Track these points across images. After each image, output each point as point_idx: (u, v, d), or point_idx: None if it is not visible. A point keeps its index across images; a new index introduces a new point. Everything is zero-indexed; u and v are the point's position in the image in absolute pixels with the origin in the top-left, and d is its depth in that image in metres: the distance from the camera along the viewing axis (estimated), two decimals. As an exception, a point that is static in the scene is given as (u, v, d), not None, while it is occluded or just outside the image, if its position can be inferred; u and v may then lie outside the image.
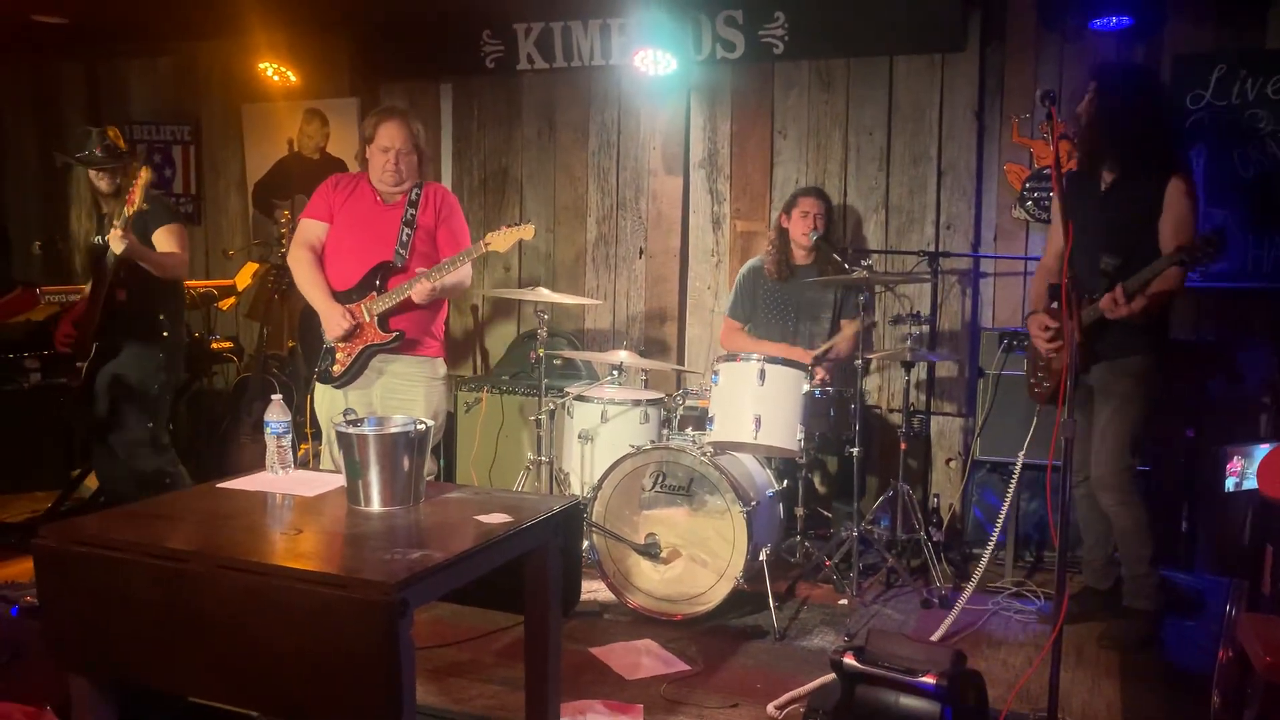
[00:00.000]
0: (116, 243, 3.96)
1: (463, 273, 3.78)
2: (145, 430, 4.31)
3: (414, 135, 3.78)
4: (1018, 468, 3.71)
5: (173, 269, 4.21)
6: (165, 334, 4.32)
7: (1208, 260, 3.29)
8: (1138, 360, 3.57)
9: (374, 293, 3.71)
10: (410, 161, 3.78)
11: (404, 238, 3.74)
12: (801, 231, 4.52)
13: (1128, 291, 3.38)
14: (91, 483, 4.97)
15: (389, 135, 3.73)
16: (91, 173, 4.20)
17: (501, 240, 3.69)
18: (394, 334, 3.71)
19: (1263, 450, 2.96)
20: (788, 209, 4.62)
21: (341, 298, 3.73)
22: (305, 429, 4.47)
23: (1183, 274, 3.42)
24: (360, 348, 3.73)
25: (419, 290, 3.63)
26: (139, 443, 4.30)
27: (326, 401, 3.84)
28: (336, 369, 3.75)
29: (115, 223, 3.97)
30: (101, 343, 4.24)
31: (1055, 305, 3.72)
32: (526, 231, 3.74)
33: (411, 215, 3.77)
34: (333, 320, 3.70)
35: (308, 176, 5.70)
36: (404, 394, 3.77)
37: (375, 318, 3.71)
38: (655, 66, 4.95)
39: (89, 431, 4.42)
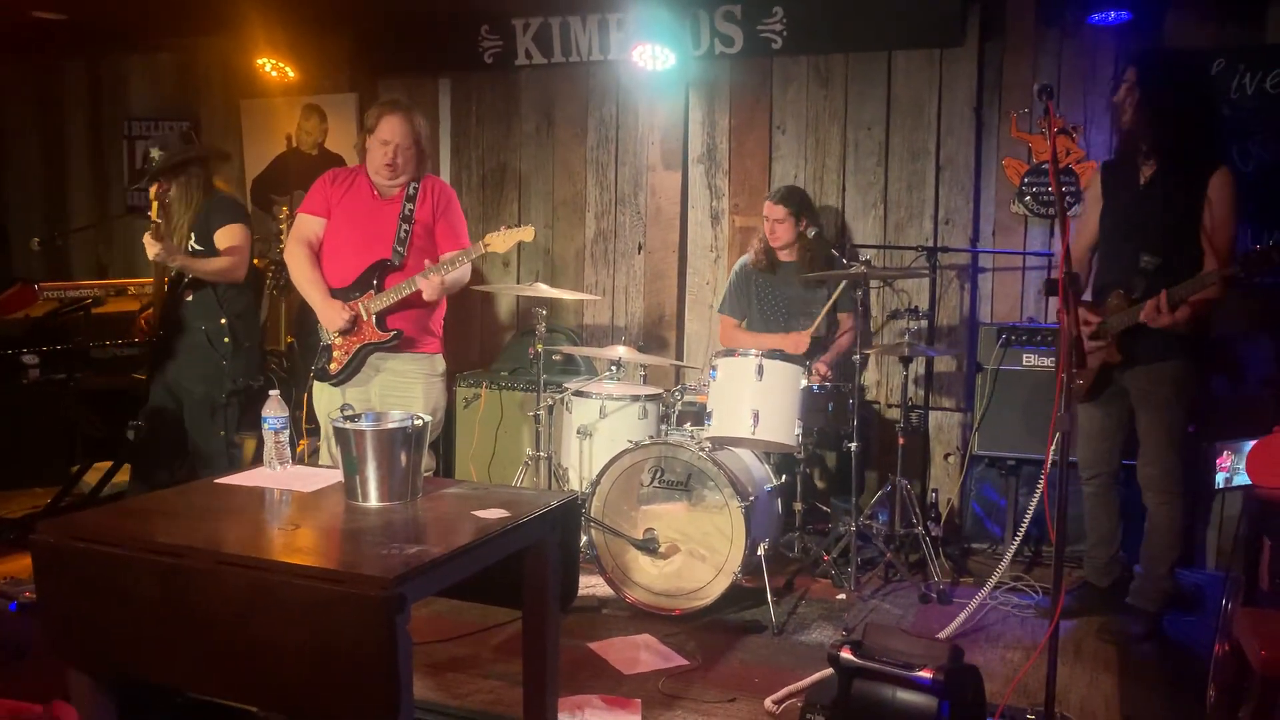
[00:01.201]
0: (149, 247, 3.98)
1: (463, 270, 3.78)
2: (219, 441, 4.22)
3: (416, 131, 3.75)
4: (1046, 464, 3.71)
5: (221, 274, 4.12)
6: (226, 339, 4.19)
7: (1264, 273, 3.24)
8: (1175, 365, 3.54)
9: (371, 291, 3.71)
10: (409, 157, 3.75)
11: (401, 234, 3.73)
12: (770, 234, 4.53)
13: (1172, 301, 3.34)
14: (91, 479, 4.98)
15: (390, 129, 3.70)
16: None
17: (501, 241, 3.68)
18: (392, 333, 3.71)
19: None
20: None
21: (339, 295, 3.73)
22: (303, 425, 4.47)
23: (1223, 287, 3.38)
24: (358, 346, 3.72)
25: (430, 285, 3.62)
26: (216, 454, 4.20)
27: (325, 399, 3.84)
28: (333, 367, 3.75)
29: (149, 231, 3.99)
30: (165, 348, 4.24)
31: (1090, 300, 3.70)
32: (526, 233, 3.72)
33: (409, 210, 3.75)
34: (331, 315, 3.70)
35: (306, 172, 5.70)
36: (403, 391, 3.77)
37: (373, 316, 3.70)
38: (654, 62, 4.95)
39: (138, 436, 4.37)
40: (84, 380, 4.81)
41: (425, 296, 3.65)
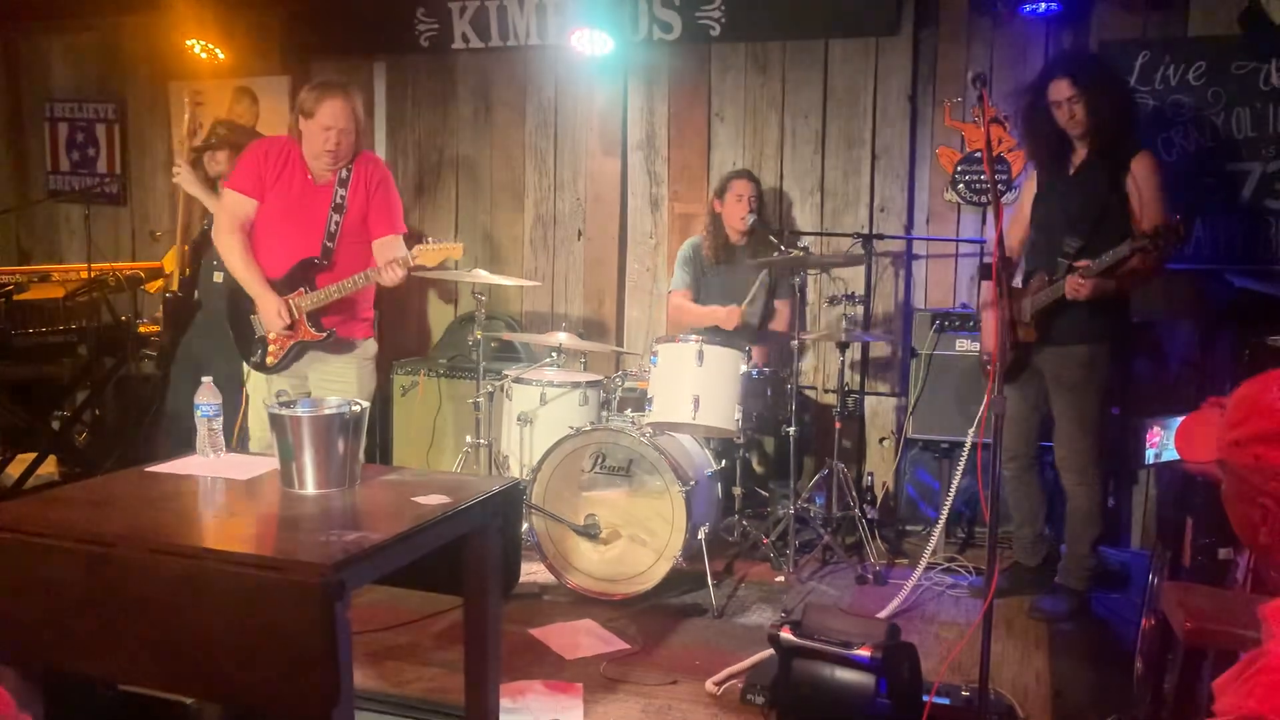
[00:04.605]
0: (180, 170, 4.56)
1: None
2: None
3: (356, 112, 3.59)
4: (967, 447, 3.79)
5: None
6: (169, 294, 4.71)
7: (1170, 248, 3.37)
8: (1087, 349, 3.64)
9: (303, 288, 3.62)
10: (350, 141, 3.60)
11: (331, 228, 3.62)
12: (738, 215, 4.54)
13: (1089, 273, 3.45)
14: (14, 470, 4.84)
15: (332, 113, 3.51)
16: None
17: (430, 256, 3.61)
18: (327, 332, 3.64)
19: (1178, 422, 3.07)
20: (720, 193, 4.64)
21: (270, 285, 3.62)
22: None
23: (1154, 258, 3.49)
24: (292, 344, 3.65)
25: (393, 276, 3.55)
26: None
27: (263, 387, 3.76)
28: (270, 360, 3.68)
29: None
30: (185, 323, 4.68)
31: (1016, 286, 3.79)
32: (455, 251, 3.66)
33: (341, 198, 3.63)
34: (270, 316, 3.60)
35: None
36: (338, 377, 3.71)
37: (305, 315, 3.63)
38: (592, 46, 4.92)
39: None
40: (5, 369, 4.67)
41: (386, 284, 3.59)
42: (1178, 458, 3.02)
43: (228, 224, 3.66)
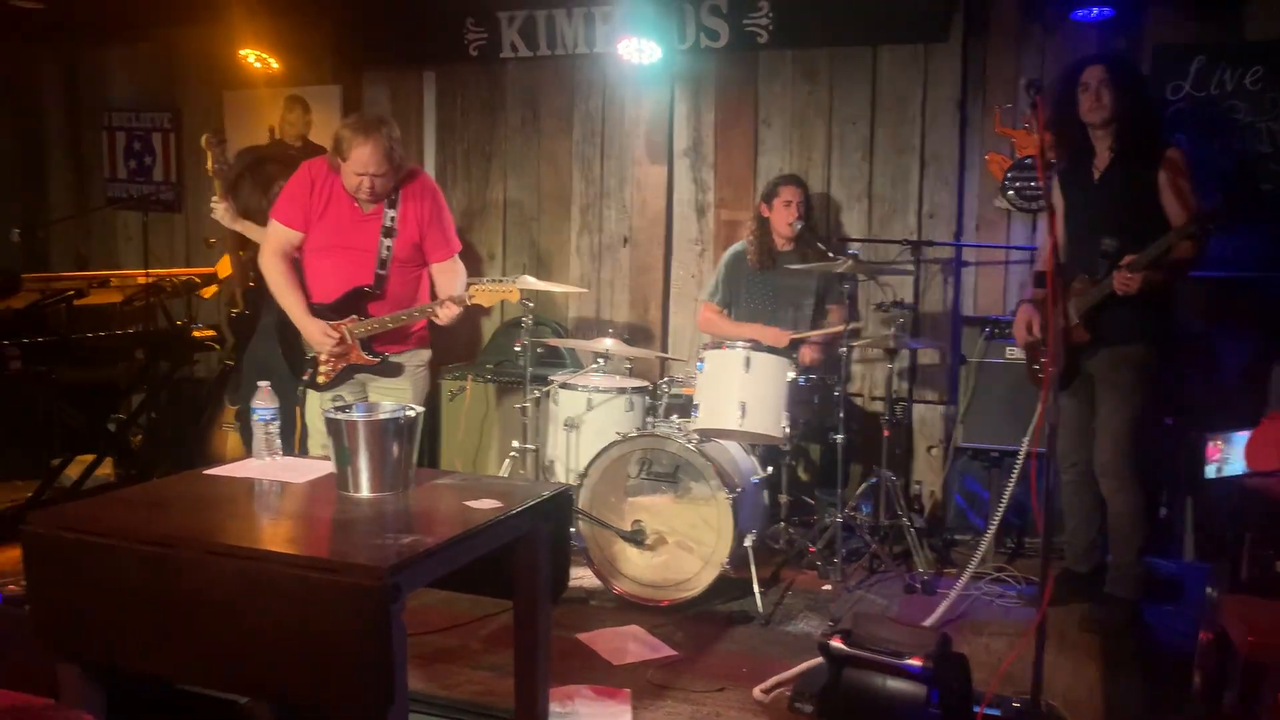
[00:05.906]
0: (216, 205, 4.73)
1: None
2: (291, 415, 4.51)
3: (390, 149, 3.44)
4: (1021, 456, 3.75)
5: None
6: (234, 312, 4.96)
7: (1219, 227, 3.35)
8: (1140, 350, 3.60)
9: (355, 316, 3.62)
10: (386, 181, 3.51)
11: (383, 253, 3.60)
12: (786, 221, 4.53)
13: (1136, 266, 3.41)
14: (73, 471, 4.94)
15: (363, 160, 3.41)
16: None
17: (486, 297, 3.64)
18: (379, 357, 3.66)
19: (1242, 436, 3.01)
20: (768, 198, 4.63)
21: (319, 311, 3.63)
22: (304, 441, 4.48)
23: (1196, 245, 3.46)
24: (344, 366, 3.67)
25: (448, 314, 3.61)
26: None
27: (317, 405, 3.76)
28: (322, 379, 3.70)
29: None
30: (250, 328, 4.87)
31: (1041, 292, 3.75)
32: (512, 294, 3.71)
33: (391, 221, 3.59)
34: (317, 337, 3.60)
35: (289, 164, 5.65)
36: (394, 386, 3.73)
37: (358, 340, 3.63)
38: (639, 55, 4.94)
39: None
40: (65, 373, 4.77)
41: (440, 322, 3.63)
42: (1239, 472, 2.98)
43: (271, 249, 3.66)
